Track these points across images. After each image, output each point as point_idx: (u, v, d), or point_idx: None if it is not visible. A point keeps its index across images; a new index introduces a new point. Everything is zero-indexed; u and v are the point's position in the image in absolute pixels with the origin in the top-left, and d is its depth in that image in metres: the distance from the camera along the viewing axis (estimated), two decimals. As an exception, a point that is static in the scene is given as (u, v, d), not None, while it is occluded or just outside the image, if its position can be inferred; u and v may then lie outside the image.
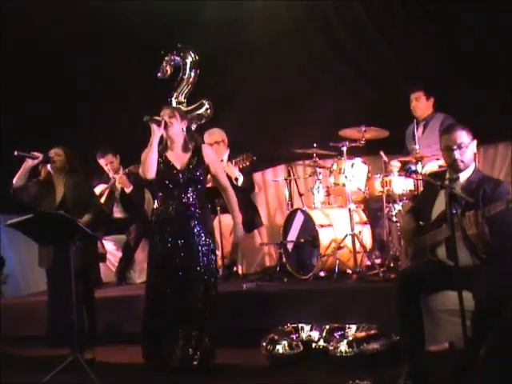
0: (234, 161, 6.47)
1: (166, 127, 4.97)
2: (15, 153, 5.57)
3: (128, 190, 7.12)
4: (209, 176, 5.25)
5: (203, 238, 5.01)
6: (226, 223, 6.48)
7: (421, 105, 6.55)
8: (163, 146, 5.12)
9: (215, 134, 6.82)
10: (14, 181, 5.65)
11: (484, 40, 6.47)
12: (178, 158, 5.07)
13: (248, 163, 6.44)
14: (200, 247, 4.99)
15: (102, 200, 7.02)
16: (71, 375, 4.80)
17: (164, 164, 5.04)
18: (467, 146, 4.26)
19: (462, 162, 4.26)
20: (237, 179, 6.53)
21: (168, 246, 5.00)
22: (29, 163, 5.61)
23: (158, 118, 4.97)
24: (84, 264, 5.49)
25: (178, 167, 5.04)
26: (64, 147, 5.73)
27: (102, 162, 7.34)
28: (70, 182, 5.65)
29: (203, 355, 4.86)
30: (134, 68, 7.60)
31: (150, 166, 4.95)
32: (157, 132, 4.93)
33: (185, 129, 5.08)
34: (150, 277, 5.13)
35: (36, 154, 5.60)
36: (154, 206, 5.17)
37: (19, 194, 5.65)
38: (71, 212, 5.29)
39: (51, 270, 5.60)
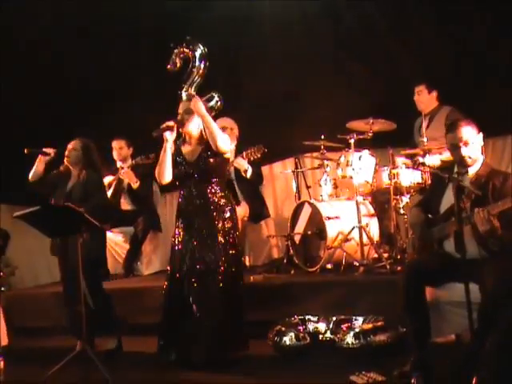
0: (244, 153, 6.43)
1: (182, 124, 5.04)
2: (25, 151, 5.60)
3: (135, 185, 7.11)
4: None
5: (221, 230, 5.00)
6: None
7: (423, 98, 6.55)
8: (181, 140, 5.17)
9: (225, 121, 6.77)
10: (30, 176, 5.75)
11: (494, 32, 6.44)
12: (192, 150, 5.11)
13: (259, 155, 6.43)
14: (218, 239, 4.98)
15: (110, 192, 7.03)
16: (81, 366, 4.83)
17: (179, 158, 5.11)
18: (473, 141, 4.25)
19: (470, 157, 4.26)
20: (246, 171, 6.53)
21: (187, 239, 5.03)
22: (41, 159, 5.70)
23: (168, 123, 5.00)
24: (93, 255, 5.49)
25: (190, 160, 5.08)
26: (82, 139, 5.66)
27: (113, 145, 7.35)
28: (82, 176, 5.60)
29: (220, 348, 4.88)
30: (145, 61, 7.59)
31: (163, 172, 5.04)
32: (169, 138, 4.99)
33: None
34: (170, 268, 5.13)
35: (48, 150, 5.64)
36: (179, 200, 5.18)
37: (35, 188, 5.74)
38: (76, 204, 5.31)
39: (62, 259, 5.58)
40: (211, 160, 5.02)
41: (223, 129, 6.61)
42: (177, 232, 5.11)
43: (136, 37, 7.41)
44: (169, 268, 5.15)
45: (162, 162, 5.03)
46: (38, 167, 5.72)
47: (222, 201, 5.06)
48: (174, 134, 5.05)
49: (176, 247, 5.08)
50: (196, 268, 4.94)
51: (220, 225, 5.00)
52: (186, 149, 5.16)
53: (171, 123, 5.02)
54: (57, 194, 5.60)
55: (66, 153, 5.61)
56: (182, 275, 4.99)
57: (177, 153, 5.14)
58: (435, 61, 6.80)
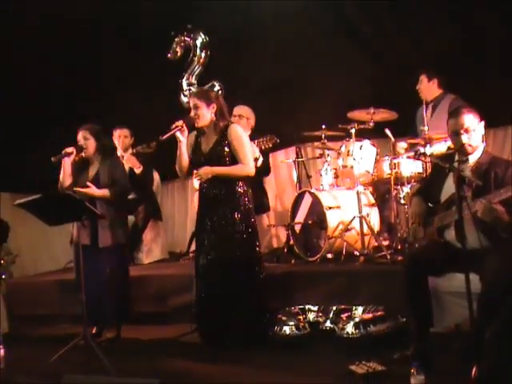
0: (256, 141, 6.41)
1: (193, 120, 5.16)
2: (52, 159, 5.49)
3: (138, 170, 7.11)
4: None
5: (229, 218, 5.09)
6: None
7: (423, 87, 6.52)
8: (201, 131, 5.25)
9: (242, 109, 6.70)
10: (62, 181, 5.58)
11: (498, 21, 6.42)
12: (207, 141, 5.21)
13: (270, 145, 6.41)
14: (226, 227, 5.08)
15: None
16: (82, 353, 4.84)
17: (196, 149, 5.25)
18: (474, 129, 4.25)
19: (470, 145, 4.25)
20: (257, 160, 6.45)
21: (202, 225, 5.21)
22: (67, 160, 5.56)
23: (176, 124, 5.12)
24: (117, 240, 5.52)
25: (203, 149, 5.19)
26: (90, 127, 5.63)
27: (116, 134, 7.27)
28: (105, 162, 5.61)
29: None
30: (147, 49, 7.57)
31: (179, 170, 5.32)
32: (181, 138, 5.16)
33: (213, 113, 5.13)
34: (197, 254, 5.30)
35: (68, 150, 5.51)
36: (200, 188, 5.34)
37: (68, 191, 5.47)
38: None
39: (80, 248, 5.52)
40: (226, 148, 5.09)
41: (239, 117, 6.59)
42: (199, 219, 5.27)
43: (136, 26, 7.37)
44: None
45: (178, 160, 5.25)
46: (66, 170, 5.58)
47: (239, 189, 5.14)
48: (186, 133, 5.18)
49: (198, 233, 5.27)
50: (213, 255, 5.09)
51: (236, 213, 5.10)
52: (203, 139, 5.24)
53: (180, 123, 5.13)
54: (78, 182, 5.55)
55: (81, 145, 5.57)
56: (205, 261, 5.15)
57: (195, 144, 5.26)
58: (438, 49, 6.76)
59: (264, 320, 5.13)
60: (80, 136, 5.61)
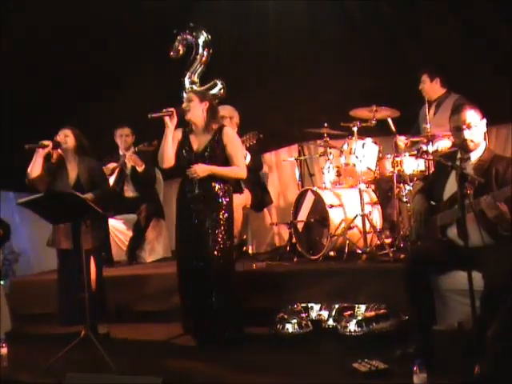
0: (240, 139, 6.40)
1: (185, 112, 5.17)
2: (25, 146, 5.49)
3: (140, 168, 7.11)
4: None
5: (216, 218, 5.12)
6: (235, 203, 6.44)
7: (426, 86, 6.51)
8: (189, 128, 5.28)
9: (224, 109, 6.61)
10: (30, 171, 5.54)
11: (499, 19, 6.42)
12: (199, 140, 5.22)
13: (254, 141, 6.40)
14: (212, 226, 5.12)
15: (113, 179, 7.03)
16: (84, 352, 4.84)
17: (185, 146, 5.23)
18: (477, 125, 4.25)
19: (472, 141, 4.26)
20: (244, 157, 6.46)
21: (189, 224, 5.19)
22: (40, 152, 5.53)
23: (167, 109, 5.15)
24: (98, 242, 5.53)
25: (195, 148, 5.20)
26: (71, 127, 5.65)
27: (117, 133, 7.28)
28: (83, 163, 5.61)
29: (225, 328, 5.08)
30: (148, 47, 7.55)
31: (163, 157, 5.23)
32: (169, 124, 5.15)
33: (205, 110, 5.16)
34: (178, 253, 5.37)
35: (45, 142, 5.51)
36: (179, 188, 5.34)
37: (36, 184, 5.54)
38: (85, 193, 5.37)
39: (63, 249, 5.58)
40: (219, 150, 5.12)
41: (222, 118, 6.57)
42: (177, 219, 5.31)
43: (137, 22, 7.36)
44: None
45: (162, 147, 5.21)
46: (37, 161, 5.53)
47: (222, 191, 5.18)
48: (175, 121, 5.17)
49: (177, 233, 5.31)
50: (193, 255, 5.14)
51: (217, 214, 5.14)
52: (193, 137, 5.25)
53: (170, 109, 5.15)
54: (57, 185, 5.54)
55: (61, 141, 5.57)
56: (183, 261, 5.22)
57: (184, 141, 5.26)
58: (440, 47, 6.76)
59: (238, 319, 5.17)
60: (60, 133, 5.60)
